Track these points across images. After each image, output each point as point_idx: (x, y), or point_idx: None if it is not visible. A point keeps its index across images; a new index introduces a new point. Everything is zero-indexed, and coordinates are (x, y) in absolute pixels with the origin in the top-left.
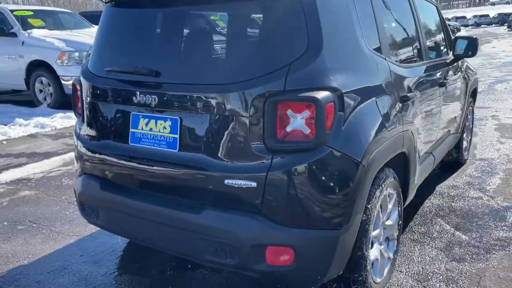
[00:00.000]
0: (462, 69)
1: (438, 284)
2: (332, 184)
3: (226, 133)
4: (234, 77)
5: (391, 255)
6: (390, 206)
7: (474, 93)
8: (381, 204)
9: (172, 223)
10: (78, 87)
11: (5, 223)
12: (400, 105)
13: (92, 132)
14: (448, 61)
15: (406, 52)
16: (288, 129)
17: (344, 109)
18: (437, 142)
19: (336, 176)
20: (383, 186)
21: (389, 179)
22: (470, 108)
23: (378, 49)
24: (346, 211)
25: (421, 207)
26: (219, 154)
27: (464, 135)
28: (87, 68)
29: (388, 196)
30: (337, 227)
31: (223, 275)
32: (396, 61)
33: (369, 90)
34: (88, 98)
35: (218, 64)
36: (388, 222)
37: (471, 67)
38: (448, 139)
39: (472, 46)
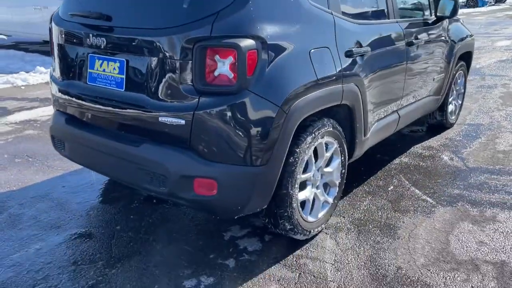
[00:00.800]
0: (447, 31)
1: (373, 230)
2: (251, 126)
3: (161, 75)
4: (168, 22)
5: (330, 200)
6: (328, 154)
7: (466, 57)
8: (316, 150)
9: (117, 155)
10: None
11: (6, 156)
12: (344, 59)
13: (60, 72)
14: (428, 21)
15: (364, 9)
16: (216, 73)
17: (269, 57)
18: (405, 102)
19: (255, 119)
20: (317, 133)
21: (326, 128)
22: (461, 72)
23: (324, 3)
24: (264, 151)
25: (389, 164)
26: (156, 94)
27: (451, 99)
28: (58, 13)
29: (326, 144)
30: (254, 164)
31: (181, 209)
32: (346, 16)
33: (302, 41)
34: (57, 41)
35: (156, 10)
36: (327, 169)
37: (465, 29)
38: (424, 101)
39: (453, 8)
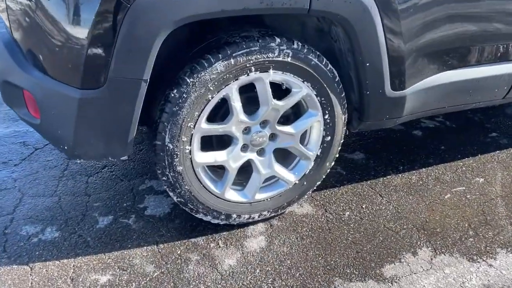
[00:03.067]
0: None
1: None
2: (68, 12)
3: None
4: None
5: (290, 178)
6: (283, 103)
7: None
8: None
9: None
10: None
11: None
12: None
13: None
14: None
15: None
16: None
17: None
18: None
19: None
20: (244, 59)
21: (273, 53)
22: None
23: None
24: (92, 64)
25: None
26: None
27: None
28: None
29: (283, 84)
30: (81, 84)
31: None
32: None
33: None
34: None
35: None
36: (284, 128)
37: None
38: None
39: None
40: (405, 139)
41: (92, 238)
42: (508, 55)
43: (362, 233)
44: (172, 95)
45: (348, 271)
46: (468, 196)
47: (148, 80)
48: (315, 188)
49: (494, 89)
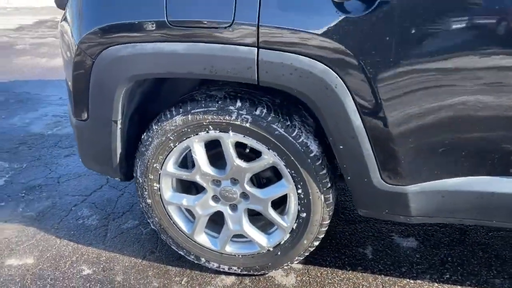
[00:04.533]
0: None
1: None
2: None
3: None
4: None
5: (262, 243)
6: (245, 165)
7: None
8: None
9: None
10: None
11: None
12: None
13: None
14: None
15: None
16: None
17: None
18: None
19: (65, 47)
20: (200, 117)
21: (231, 116)
22: None
23: None
24: (77, 102)
25: None
26: None
27: None
28: None
29: (246, 147)
30: (76, 116)
31: None
32: None
33: None
34: None
35: None
36: (252, 190)
37: None
38: None
39: None
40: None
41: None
42: None
43: None
44: (143, 136)
45: None
46: None
47: (120, 120)
48: (295, 262)
49: None
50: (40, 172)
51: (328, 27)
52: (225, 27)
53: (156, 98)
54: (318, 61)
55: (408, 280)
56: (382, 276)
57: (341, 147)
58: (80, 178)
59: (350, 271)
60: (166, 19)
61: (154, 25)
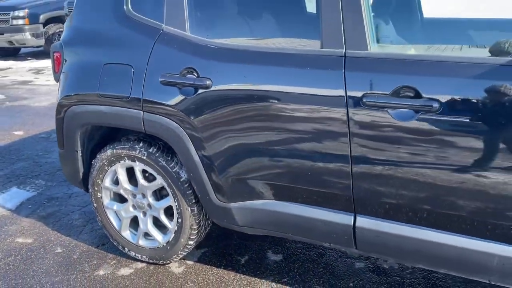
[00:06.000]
0: None
1: None
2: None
3: None
4: None
5: (158, 238)
6: (146, 184)
7: None
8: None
9: None
10: None
11: None
12: (153, 84)
13: None
14: None
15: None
16: None
17: (68, 60)
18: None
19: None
20: (119, 151)
21: (136, 151)
22: None
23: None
24: (59, 136)
25: None
26: None
27: None
28: None
29: (146, 172)
30: (59, 145)
31: None
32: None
33: (100, 53)
34: None
35: None
36: (151, 201)
37: None
38: None
39: None
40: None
41: None
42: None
43: None
44: (92, 162)
45: None
46: None
47: (80, 150)
48: (180, 256)
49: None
50: (61, 189)
51: (176, 102)
52: (127, 99)
53: (110, 138)
54: (173, 121)
55: (269, 282)
56: (246, 275)
57: (191, 174)
58: (85, 195)
59: (223, 269)
60: (98, 92)
61: (92, 95)
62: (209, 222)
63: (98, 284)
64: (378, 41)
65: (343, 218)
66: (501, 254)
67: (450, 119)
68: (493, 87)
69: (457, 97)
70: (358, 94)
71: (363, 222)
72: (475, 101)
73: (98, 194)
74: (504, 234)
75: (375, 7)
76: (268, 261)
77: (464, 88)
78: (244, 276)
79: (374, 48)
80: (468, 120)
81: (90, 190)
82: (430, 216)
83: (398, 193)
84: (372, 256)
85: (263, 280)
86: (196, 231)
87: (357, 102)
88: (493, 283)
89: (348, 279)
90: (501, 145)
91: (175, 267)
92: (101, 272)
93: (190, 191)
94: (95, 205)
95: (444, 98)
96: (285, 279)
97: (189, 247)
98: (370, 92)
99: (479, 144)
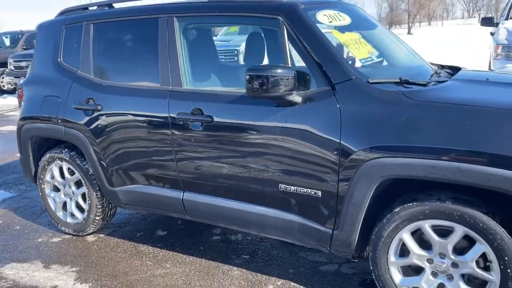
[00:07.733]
0: None
1: None
2: None
3: None
4: None
5: (79, 216)
6: (69, 177)
7: None
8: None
9: None
10: None
11: None
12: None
13: None
14: None
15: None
16: None
17: (26, 94)
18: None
19: None
20: (53, 155)
21: (62, 154)
22: None
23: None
24: (19, 145)
25: None
26: None
27: None
28: None
29: (70, 169)
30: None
31: None
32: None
33: (43, 90)
34: None
35: None
36: (74, 189)
37: None
38: None
39: None
40: None
41: None
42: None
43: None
44: (39, 162)
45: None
46: None
47: (31, 155)
48: (92, 230)
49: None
50: (36, 192)
51: (82, 120)
52: (55, 118)
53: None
54: (80, 132)
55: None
56: (134, 243)
57: (92, 169)
58: None
59: (122, 239)
60: (39, 115)
61: (36, 117)
62: (110, 204)
63: (35, 246)
64: (188, 82)
65: (177, 194)
66: (255, 212)
67: (218, 126)
68: (238, 108)
69: (220, 114)
70: (175, 114)
71: (188, 196)
72: (230, 116)
73: (42, 186)
74: (255, 199)
75: (188, 59)
76: (156, 236)
77: (223, 109)
78: (132, 243)
79: (185, 86)
80: (227, 127)
81: (37, 182)
82: (223, 189)
83: (203, 175)
84: (225, 229)
85: (147, 246)
86: (101, 210)
87: (174, 119)
88: (255, 233)
89: (206, 251)
90: (244, 141)
91: (91, 237)
92: (40, 240)
93: (95, 181)
94: (40, 194)
95: (214, 115)
96: (159, 245)
97: (97, 221)
98: (180, 112)
99: (235, 142)
